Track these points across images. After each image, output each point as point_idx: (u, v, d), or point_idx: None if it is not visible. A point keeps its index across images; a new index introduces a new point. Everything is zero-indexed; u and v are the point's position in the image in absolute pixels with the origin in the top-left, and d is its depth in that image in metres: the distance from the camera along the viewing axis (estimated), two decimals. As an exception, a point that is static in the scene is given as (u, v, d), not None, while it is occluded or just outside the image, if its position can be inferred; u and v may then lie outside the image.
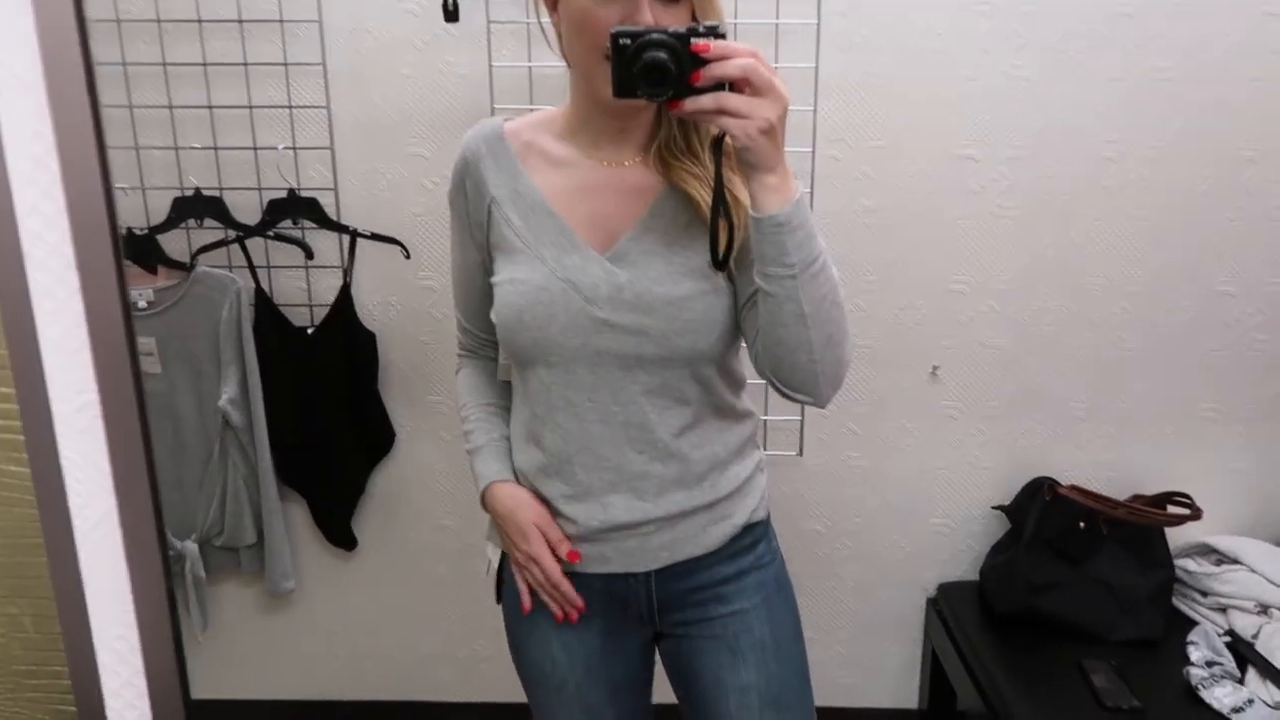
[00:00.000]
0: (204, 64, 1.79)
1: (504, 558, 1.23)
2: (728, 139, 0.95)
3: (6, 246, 0.48)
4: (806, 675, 1.23)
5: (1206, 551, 1.95)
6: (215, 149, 1.83)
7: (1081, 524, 1.88)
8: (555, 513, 1.15)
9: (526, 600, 1.19)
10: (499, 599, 1.26)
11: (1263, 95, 1.81)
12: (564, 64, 1.12)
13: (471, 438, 1.23)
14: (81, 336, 0.48)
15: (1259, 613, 1.81)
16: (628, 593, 1.17)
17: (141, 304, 1.82)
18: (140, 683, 0.57)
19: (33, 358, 0.48)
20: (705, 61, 0.91)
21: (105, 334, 0.47)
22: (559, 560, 1.15)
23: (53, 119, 0.45)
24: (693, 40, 0.91)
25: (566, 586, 1.15)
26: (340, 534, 2.03)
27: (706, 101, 0.91)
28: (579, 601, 1.16)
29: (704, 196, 1.05)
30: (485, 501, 1.20)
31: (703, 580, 1.17)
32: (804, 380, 1.03)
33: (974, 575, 2.05)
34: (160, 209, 1.83)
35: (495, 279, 1.12)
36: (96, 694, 0.57)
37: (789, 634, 1.21)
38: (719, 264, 1.04)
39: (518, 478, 1.19)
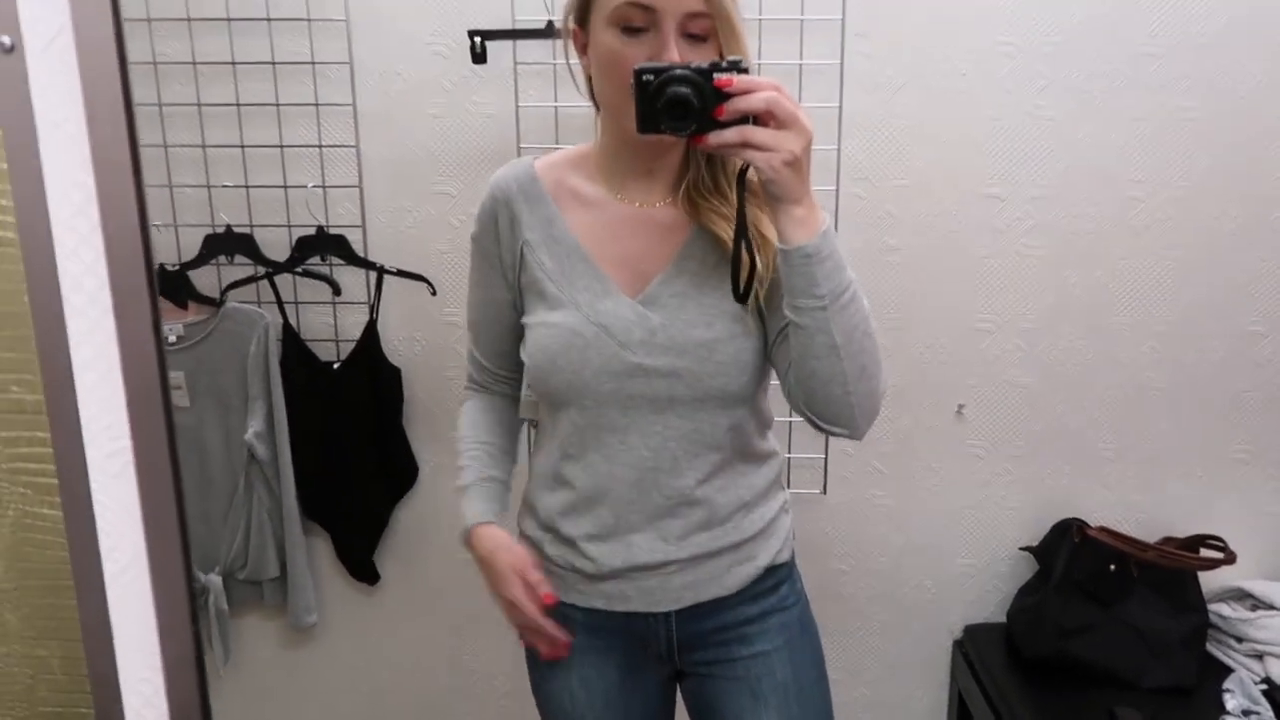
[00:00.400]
0: (237, 104, 1.83)
1: None
2: (752, 172, 0.95)
3: (47, 293, 0.50)
4: (830, 718, 1.21)
5: (1241, 596, 1.91)
6: (247, 187, 1.86)
7: (1112, 566, 1.85)
8: (579, 552, 1.15)
9: (532, 642, 1.19)
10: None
11: (1290, 135, 1.81)
12: (590, 104, 1.14)
13: (462, 474, 1.22)
14: (116, 382, 0.49)
15: (1296, 660, 1.77)
16: (647, 631, 1.17)
17: (171, 339, 1.85)
18: (165, 725, 0.57)
19: (69, 404, 0.49)
20: (728, 96, 0.92)
21: (140, 381, 0.48)
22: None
23: (94, 169, 0.47)
24: (715, 75, 0.92)
25: (549, 627, 1.14)
26: (362, 568, 2.04)
27: (730, 135, 0.92)
28: (563, 637, 1.15)
29: (732, 236, 1.06)
30: (467, 541, 1.18)
31: (725, 621, 1.17)
32: (839, 413, 1.03)
33: (1001, 617, 2.02)
34: (192, 245, 1.86)
35: (528, 320, 1.13)
36: (122, 736, 0.58)
37: (811, 676, 1.20)
38: (740, 296, 1.04)
39: (538, 516, 1.19)
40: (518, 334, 1.19)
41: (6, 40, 0.48)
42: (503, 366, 1.25)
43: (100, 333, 0.49)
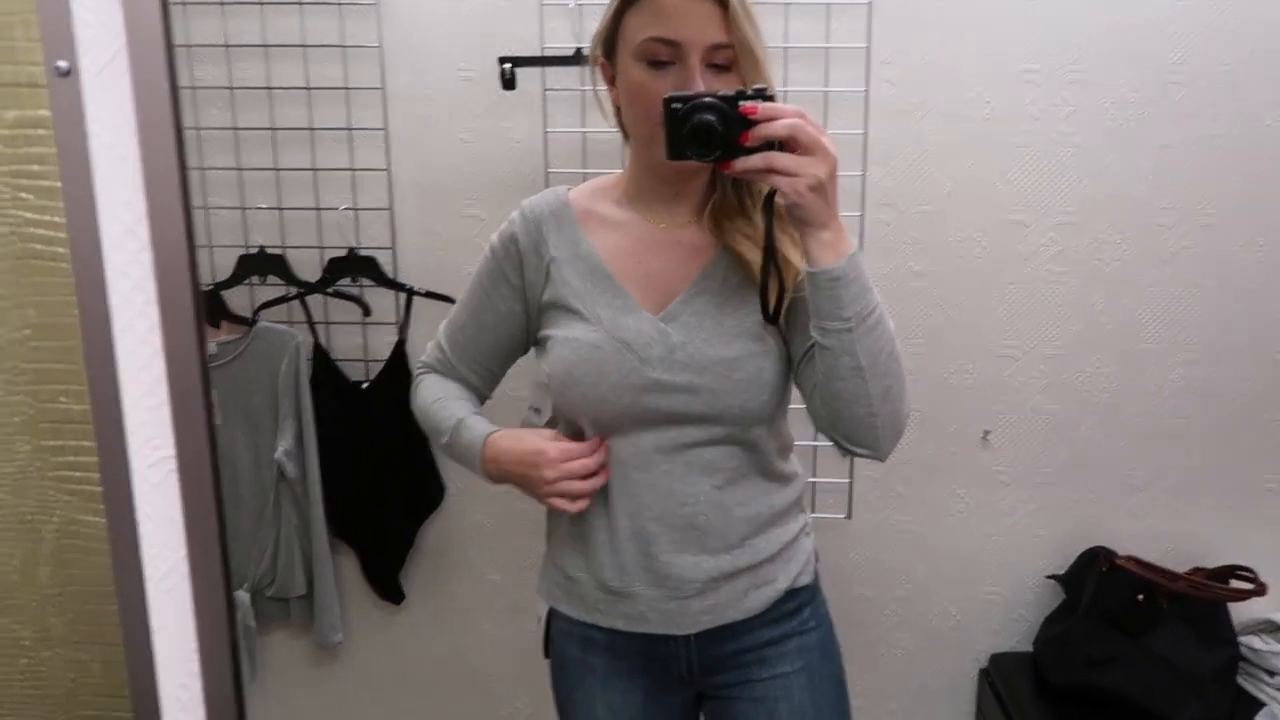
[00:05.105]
0: (272, 128, 1.87)
1: (552, 612, 1.23)
2: (778, 196, 0.97)
3: (96, 307, 0.52)
4: (850, 744, 1.21)
5: (1273, 629, 1.87)
6: (280, 209, 1.90)
7: (1140, 596, 1.83)
8: (600, 562, 1.15)
9: (575, 505, 1.12)
10: (546, 653, 1.27)
11: (1320, 163, 1.80)
12: (617, 131, 1.16)
13: (448, 417, 1.18)
14: (161, 394, 0.51)
15: (1330, 694, 1.74)
16: (669, 655, 1.17)
17: (205, 357, 1.88)
18: (200, 731, 0.58)
19: (115, 414, 0.51)
20: (754, 123, 0.93)
21: (184, 392, 0.50)
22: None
23: (145, 189, 0.49)
24: (740, 103, 0.94)
25: (597, 459, 1.10)
26: (388, 587, 2.05)
27: (756, 161, 0.94)
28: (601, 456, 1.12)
29: (756, 257, 1.07)
30: (487, 461, 1.14)
31: (745, 644, 1.17)
32: (864, 434, 1.03)
33: (1027, 646, 1.99)
34: (226, 266, 1.90)
35: (549, 334, 1.15)
36: (157, 741, 0.59)
37: (829, 701, 1.20)
38: (770, 317, 1.05)
39: (559, 536, 1.20)
40: (507, 349, 1.21)
41: (63, 64, 0.50)
42: (474, 373, 1.24)
43: (147, 346, 0.51)
